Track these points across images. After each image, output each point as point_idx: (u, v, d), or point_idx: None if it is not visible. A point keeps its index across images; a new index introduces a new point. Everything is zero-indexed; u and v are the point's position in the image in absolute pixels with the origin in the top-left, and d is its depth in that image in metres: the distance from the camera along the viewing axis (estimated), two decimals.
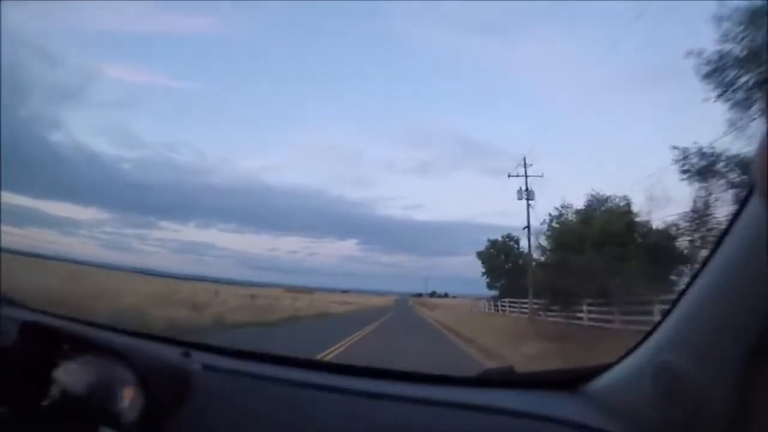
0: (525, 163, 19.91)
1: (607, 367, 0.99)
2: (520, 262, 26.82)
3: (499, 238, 29.05)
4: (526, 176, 19.73)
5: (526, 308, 18.31)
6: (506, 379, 1.20)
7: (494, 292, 29.00)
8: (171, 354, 1.12)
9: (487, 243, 29.38)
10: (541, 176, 19.73)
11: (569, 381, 1.07)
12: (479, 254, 29.65)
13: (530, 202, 19.15)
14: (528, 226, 19.17)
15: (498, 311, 24.87)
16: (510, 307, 22.10)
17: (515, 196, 19.60)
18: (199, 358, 1.12)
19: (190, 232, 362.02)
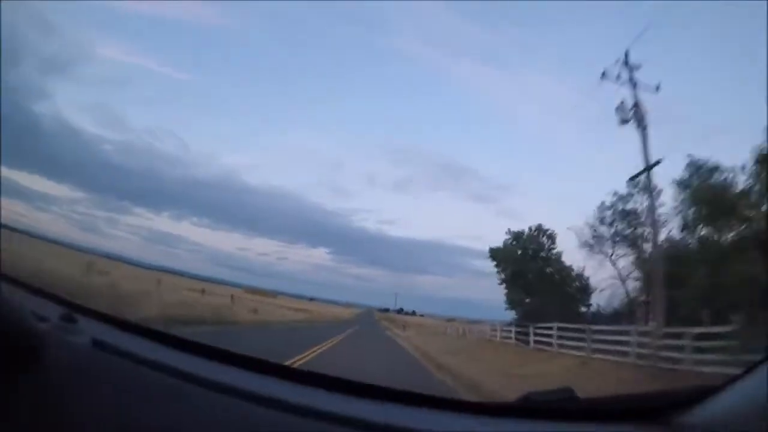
0: (628, 62, 10.48)
1: (709, 391, 0.77)
2: (550, 270, 17.63)
3: (526, 230, 19.15)
4: (633, 83, 10.22)
5: (621, 342, 8.86)
6: (564, 408, 0.89)
7: (509, 314, 19.15)
8: (50, 311, 0.81)
9: (508, 236, 19.53)
10: (657, 90, 10.48)
11: (656, 410, 0.82)
12: (494, 252, 19.46)
13: (644, 128, 9.65)
14: (648, 169, 9.76)
15: (527, 343, 13.56)
16: (560, 338, 11.63)
17: (616, 119, 10.08)
18: (89, 328, 0.83)
19: (163, 222, 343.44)
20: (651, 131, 9.68)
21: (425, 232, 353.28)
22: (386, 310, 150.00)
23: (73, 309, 0.88)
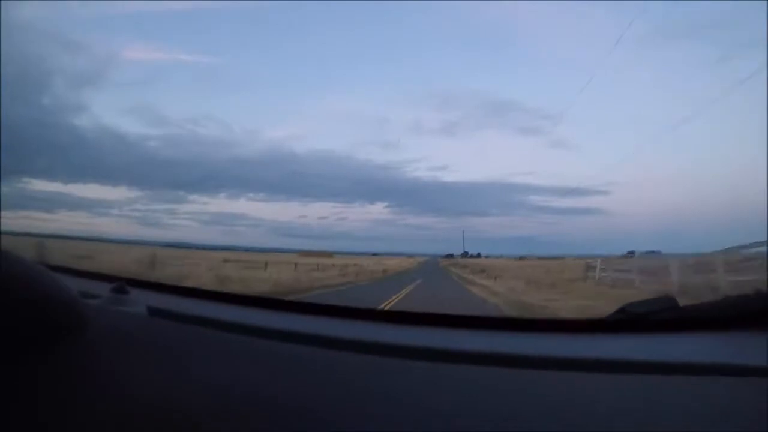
0: None
1: None
2: None
3: None
4: None
5: None
6: (665, 319, 0.77)
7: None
8: (100, 289, 0.82)
9: None
10: None
11: (765, 313, 0.71)
12: None
13: None
14: None
15: None
16: None
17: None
18: (143, 298, 0.81)
19: (221, 204, 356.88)
20: None
21: (478, 173, 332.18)
22: (450, 256, 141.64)
23: (125, 282, 0.85)
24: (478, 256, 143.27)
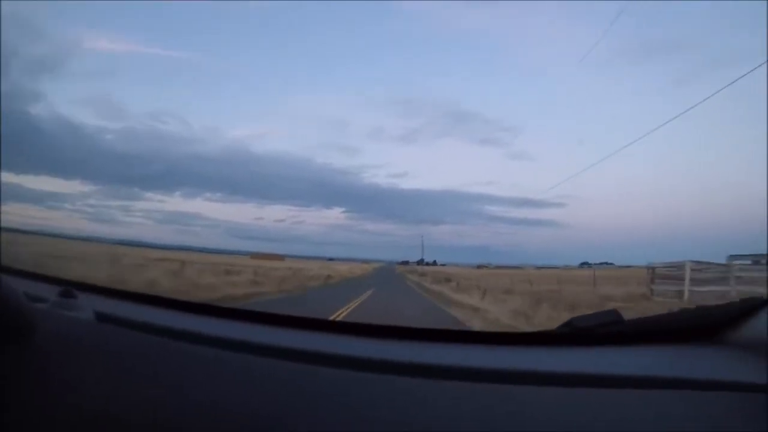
0: None
1: (759, 305, 0.69)
2: None
3: None
4: None
5: None
6: (610, 332, 0.79)
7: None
8: (46, 292, 0.78)
9: None
10: None
11: (706, 328, 0.75)
12: None
13: None
14: None
15: None
16: None
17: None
18: (91, 302, 0.78)
19: (176, 203, 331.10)
20: None
21: (437, 181, 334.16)
22: (406, 263, 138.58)
23: (73, 286, 0.83)
24: (434, 263, 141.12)
